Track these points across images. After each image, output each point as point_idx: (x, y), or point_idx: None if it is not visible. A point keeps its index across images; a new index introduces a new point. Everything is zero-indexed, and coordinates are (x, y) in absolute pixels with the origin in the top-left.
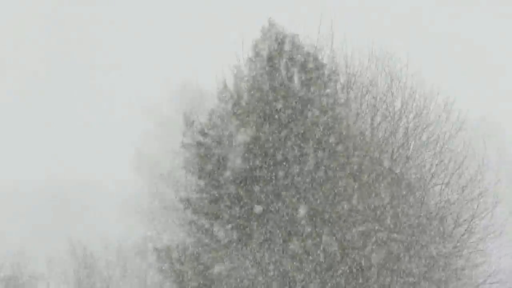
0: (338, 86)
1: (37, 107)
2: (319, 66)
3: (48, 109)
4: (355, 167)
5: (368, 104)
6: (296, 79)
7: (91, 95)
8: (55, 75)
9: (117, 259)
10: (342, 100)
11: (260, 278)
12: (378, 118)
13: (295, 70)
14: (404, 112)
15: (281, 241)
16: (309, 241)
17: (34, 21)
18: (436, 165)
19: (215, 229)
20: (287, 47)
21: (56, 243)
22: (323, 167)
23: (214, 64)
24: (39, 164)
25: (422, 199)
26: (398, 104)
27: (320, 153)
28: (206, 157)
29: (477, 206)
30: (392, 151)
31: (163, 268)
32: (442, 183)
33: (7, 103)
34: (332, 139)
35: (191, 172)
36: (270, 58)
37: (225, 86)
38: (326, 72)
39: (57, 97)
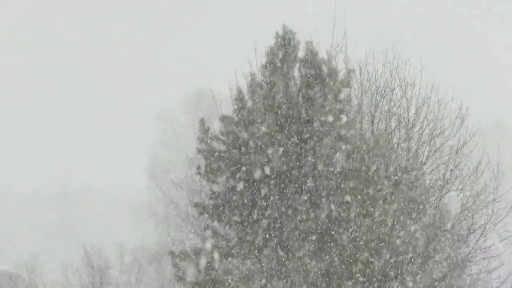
0: (352, 92)
1: (49, 114)
2: (333, 72)
3: (60, 115)
4: (371, 172)
5: (382, 110)
6: (309, 84)
7: (105, 101)
8: (68, 81)
9: (132, 266)
10: (357, 105)
11: (275, 284)
12: (392, 124)
13: (309, 76)
14: (418, 117)
15: (297, 247)
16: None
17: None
18: (451, 170)
19: (230, 235)
20: (300, 53)
21: (69, 249)
22: (339, 173)
23: (228, 70)
24: (52, 170)
25: (437, 204)
26: (412, 110)
27: (335, 159)
28: (221, 164)
29: (492, 212)
30: (407, 156)
31: (178, 274)
32: (457, 189)
33: (22, 109)
34: (347, 144)
35: (206, 178)
36: (283, 65)
37: (240, 92)
38: (340, 77)
39: (71, 103)
